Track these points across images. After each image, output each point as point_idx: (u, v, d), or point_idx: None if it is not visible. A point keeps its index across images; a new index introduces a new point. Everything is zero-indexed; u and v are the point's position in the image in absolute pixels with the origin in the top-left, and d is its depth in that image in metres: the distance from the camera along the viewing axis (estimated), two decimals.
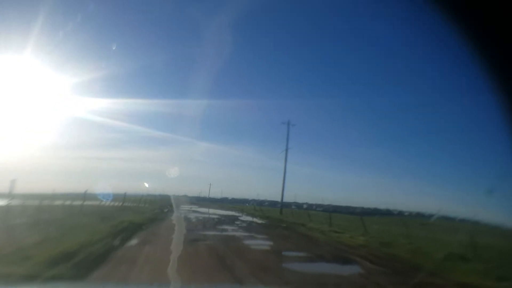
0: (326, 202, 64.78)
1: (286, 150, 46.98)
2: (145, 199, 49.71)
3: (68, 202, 27.96)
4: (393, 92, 59.12)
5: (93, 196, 28.23)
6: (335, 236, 20.96)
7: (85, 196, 25.21)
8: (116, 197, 34.06)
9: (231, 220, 31.75)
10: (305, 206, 71.07)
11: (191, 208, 53.44)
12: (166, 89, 63.31)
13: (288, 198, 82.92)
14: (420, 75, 49.80)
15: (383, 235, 21.16)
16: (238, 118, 78.95)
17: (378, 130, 72.75)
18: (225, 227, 23.25)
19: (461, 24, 3.32)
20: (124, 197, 37.73)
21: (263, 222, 32.26)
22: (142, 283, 7.06)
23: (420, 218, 35.58)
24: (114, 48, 27.33)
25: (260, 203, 76.43)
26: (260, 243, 15.59)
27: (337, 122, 75.24)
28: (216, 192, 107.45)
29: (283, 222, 32.72)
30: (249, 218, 36.31)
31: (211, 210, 49.43)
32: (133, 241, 13.16)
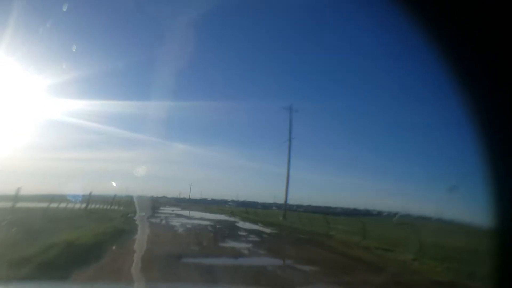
0: (305, 203, 61.06)
1: (289, 140, 39.23)
2: (119, 200, 40.92)
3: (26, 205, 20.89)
4: (365, 93, 55.23)
5: (63, 198, 25.68)
6: (393, 259, 14.09)
7: (16, 197, 16.66)
8: (92, 198, 29.70)
9: (231, 228, 23.63)
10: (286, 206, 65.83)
11: (173, 210, 45.15)
12: (142, 90, 56.94)
13: (267, 199, 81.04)
14: (389, 75, 45.58)
15: (440, 253, 13.95)
16: (216, 119, 74.04)
17: (351, 130, 68.79)
18: (232, 244, 15.21)
19: (427, 24, 3.34)
20: (89, 198, 29.11)
21: (274, 231, 24.21)
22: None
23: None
24: (74, 50, 22.55)
25: (240, 204, 77.17)
26: None
27: (312, 123, 70.37)
28: (195, 193, 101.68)
29: (298, 231, 24.84)
30: (249, 225, 28.18)
31: (197, 214, 41.10)
32: None
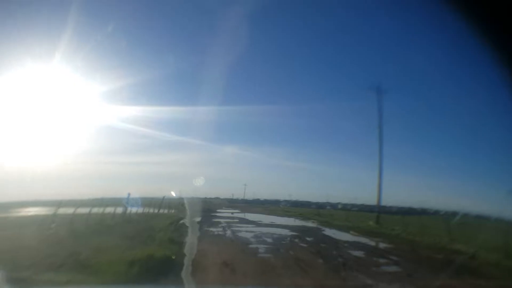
0: (359, 202, 56.81)
1: (380, 127, 30.52)
2: (169, 203, 34.44)
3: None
4: (421, 91, 48.59)
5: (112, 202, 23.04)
6: None
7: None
8: (145, 201, 28.24)
9: (331, 244, 15.72)
10: (339, 206, 64.42)
11: (232, 213, 38.03)
12: (193, 95, 53.59)
13: (319, 198, 77.66)
14: (445, 74, 38.99)
15: None
16: (266, 121, 68.94)
17: (403, 127, 61.10)
18: None
19: (484, 26, 3.22)
20: (127, 202, 22.38)
21: (389, 246, 16.09)
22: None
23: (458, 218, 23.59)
24: (109, 30, 21.89)
25: (293, 203, 73.36)
26: None
27: (358, 120, 63.64)
28: (248, 193, 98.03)
29: (415, 244, 16.82)
30: (343, 235, 20.06)
31: (262, 217, 33.41)
32: None
